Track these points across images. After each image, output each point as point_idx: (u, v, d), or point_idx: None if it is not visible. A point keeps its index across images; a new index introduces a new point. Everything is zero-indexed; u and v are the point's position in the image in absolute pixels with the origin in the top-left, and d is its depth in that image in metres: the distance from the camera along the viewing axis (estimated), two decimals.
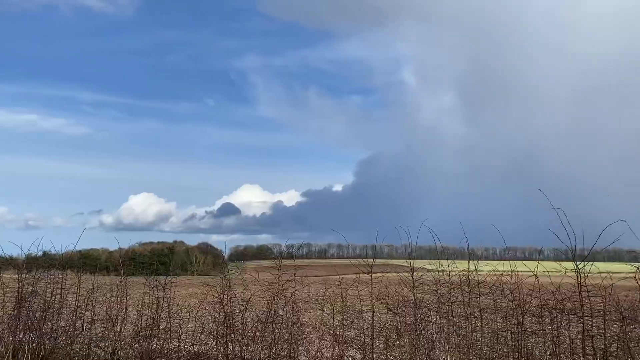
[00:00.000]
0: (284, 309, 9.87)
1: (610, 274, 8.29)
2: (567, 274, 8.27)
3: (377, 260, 10.97)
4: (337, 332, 10.19)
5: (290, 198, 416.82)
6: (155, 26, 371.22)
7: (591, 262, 7.91)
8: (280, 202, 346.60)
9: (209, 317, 10.94)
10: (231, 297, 10.24)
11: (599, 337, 8.23)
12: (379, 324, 10.61)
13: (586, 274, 7.97)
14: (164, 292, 10.94)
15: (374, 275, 10.08)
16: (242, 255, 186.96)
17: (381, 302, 11.69)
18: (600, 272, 8.72)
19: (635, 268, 7.68)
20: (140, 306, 11.48)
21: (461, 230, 9.85)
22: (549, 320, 8.68)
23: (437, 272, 9.65)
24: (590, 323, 8.00)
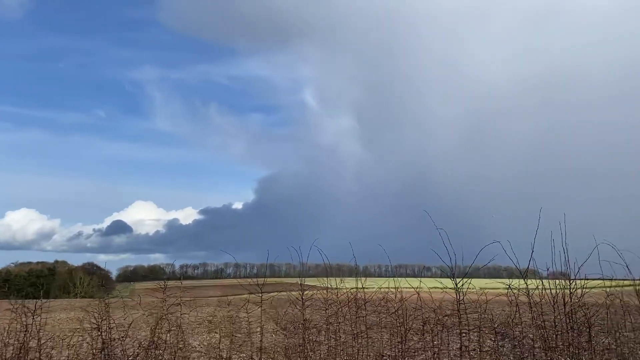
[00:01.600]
0: (168, 334, 9.37)
1: (485, 291, 8.79)
2: (447, 290, 8.64)
3: (270, 279, 10.82)
4: (225, 356, 9.85)
5: (187, 216, 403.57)
6: (45, 30, 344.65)
7: (468, 279, 8.33)
8: (175, 220, 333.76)
9: (86, 345, 10.13)
10: (110, 323, 9.54)
11: (476, 351, 8.67)
12: (269, 345, 10.43)
13: (465, 291, 8.38)
14: (33, 318, 9.95)
15: (266, 295, 9.90)
16: (131, 276, 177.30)
17: (276, 322, 11.52)
18: (480, 289, 9.24)
19: (507, 285, 8.19)
20: (5, 334, 10.36)
21: (357, 248, 10.05)
22: (431, 337, 9.00)
23: (326, 291, 9.69)
24: (468, 338, 8.40)
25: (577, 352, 7.85)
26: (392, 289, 9.50)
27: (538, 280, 8.35)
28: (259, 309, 9.88)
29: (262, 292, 9.72)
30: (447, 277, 8.50)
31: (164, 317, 9.46)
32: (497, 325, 8.52)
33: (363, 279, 9.61)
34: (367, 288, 9.47)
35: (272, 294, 10.17)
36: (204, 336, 15.68)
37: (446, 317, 8.99)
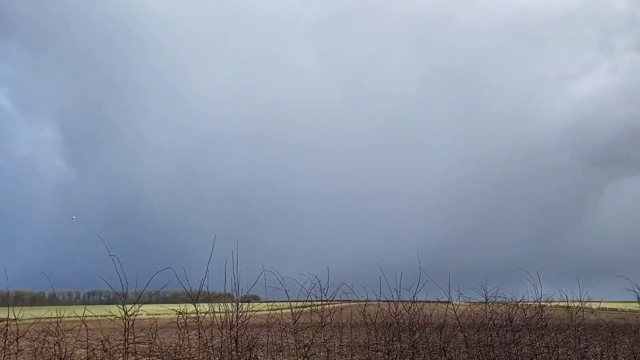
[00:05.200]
0: None
1: (157, 317, 8.57)
2: (116, 319, 8.12)
3: None
4: None
5: None
6: None
7: (139, 306, 7.99)
8: None
9: None
10: None
11: None
12: None
13: (134, 320, 7.95)
14: None
15: None
16: None
17: None
18: (152, 315, 8.95)
19: (177, 311, 8.14)
20: None
21: (51, 272, 8.85)
22: None
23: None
24: None
25: None
26: (53, 319, 8.46)
27: (209, 305, 8.53)
28: None
29: None
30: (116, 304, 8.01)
31: None
32: (166, 354, 8.38)
33: (18, 308, 8.28)
34: (20, 320, 8.16)
35: None
36: None
37: (115, 348, 8.43)
